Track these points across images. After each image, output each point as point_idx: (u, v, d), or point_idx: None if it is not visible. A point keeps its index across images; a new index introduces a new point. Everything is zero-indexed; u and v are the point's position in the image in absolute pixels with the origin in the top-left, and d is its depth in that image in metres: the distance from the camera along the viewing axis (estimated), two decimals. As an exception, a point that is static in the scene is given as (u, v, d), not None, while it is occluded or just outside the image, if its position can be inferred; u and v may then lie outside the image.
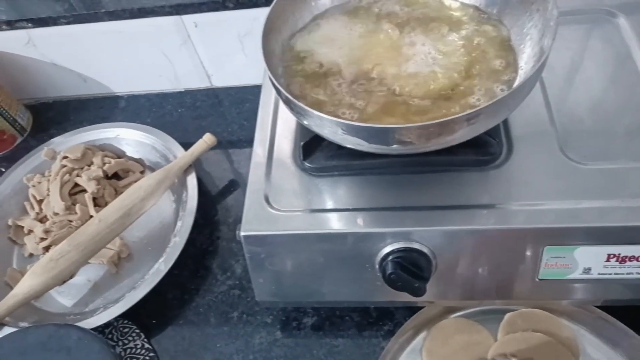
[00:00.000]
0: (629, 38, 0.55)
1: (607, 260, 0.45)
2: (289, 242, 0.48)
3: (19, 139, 0.83)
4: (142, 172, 0.74)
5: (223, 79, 0.83)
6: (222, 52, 0.77)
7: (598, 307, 0.51)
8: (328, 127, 0.42)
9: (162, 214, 0.69)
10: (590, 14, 0.58)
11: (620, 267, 0.45)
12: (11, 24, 0.74)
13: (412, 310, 0.54)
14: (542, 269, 0.46)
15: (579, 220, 0.43)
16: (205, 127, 0.79)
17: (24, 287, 0.58)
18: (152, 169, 0.74)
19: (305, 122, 0.45)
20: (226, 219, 0.69)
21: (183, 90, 0.85)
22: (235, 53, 0.77)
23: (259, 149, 0.54)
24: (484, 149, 0.48)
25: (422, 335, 0.54)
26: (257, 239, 0.48)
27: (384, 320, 0.56)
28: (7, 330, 0.58)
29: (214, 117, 0.80)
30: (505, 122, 0.50)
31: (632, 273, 0.45)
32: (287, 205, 0.49)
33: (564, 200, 0.45)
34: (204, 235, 0.67)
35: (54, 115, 0.87)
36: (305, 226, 0.47)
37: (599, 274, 0.46)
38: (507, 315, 0.53)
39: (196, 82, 0.83)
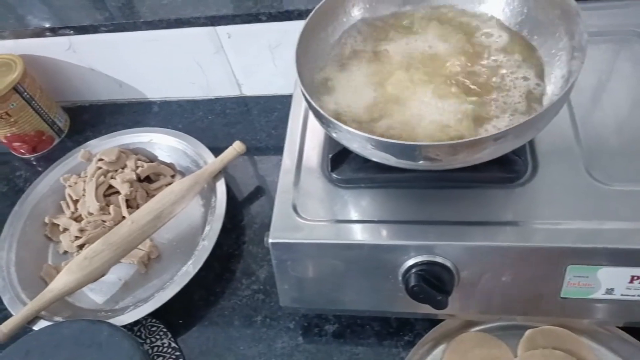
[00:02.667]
0: (659, 60, 0.55)
1: (631, 281, 0.45)
2: (315, 250, 0.49)
3: (57, 140, 0.87)
4: (172, 176, 0.76)
5: (253, 88, 0.85)
6: (253, 62, 0.80)
7: (620, 327, 0.51)
8: (357, 142, 0.44)
9: (191, 217, 0.71)
10: (619, 35, 0.58)
11: (643, 289, 0.45)
12: (55, 31, 0.78)
13: (432, 322, 0.55)
14: (564, 287, 0.47)
15: (603, 241, 0.44)
16: (234, 134, 0.81)
17: (59, 283, 0.61)
18: (183, 174, 0.76)
19: (335, 135, 0.47)
20: (252, 224, 0.71)
21: (214, 97, 0.87)
22: (266, 63, 0.79)
23: (288, 159, 0.55)
24: (509, 167, 0.49)
25: (442, 347, 0.55)
26: (285, 246, 0.50)
27: (404, 331, 0.57)
28: (43, 323, 0.61)
29: (242, 124, 0.83)
30: (532, 141, 0.51)
31: (655, 295, 0.46)
32: (314, 214, 0.51)
33: (588, 220, 0.45)
34: (230, 240, 0.69)
35: (90, 118, 0.90)
36: (332, 236, 0.49)
37: (621, 295, 0.46)
38: (528, 332, 0.54)
39: (227, 90, 0.86)
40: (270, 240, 0.50)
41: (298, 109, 0.60)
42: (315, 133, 0.57)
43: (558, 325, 0.53)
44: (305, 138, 0.57)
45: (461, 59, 0.51)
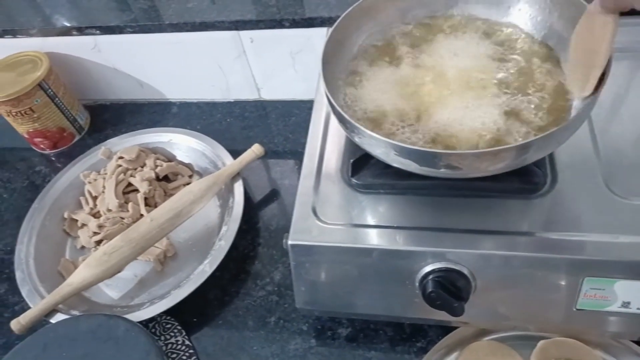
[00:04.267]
0: (679, 77, 0.56)
1: (647, 295, 0.45)
2: (334, 254, 0.50)
3: (77, 137, 0.89)
4: (190, 177, 0.78)
5: (272, 92, 0.86)
6: (274, 67, 0.81)
7: (634, 341, 0.51)
8: (381, 148, 0.45)
9: (208, 218, 0.72)
10: (638, 52, 0.59)
11: (660, 304, 0.46)
12: (81, 30, 0.79)
13: (446, 329, 0.55)
14: (580, 299, 0.47)
15: (621, 254, 0.44)
16: (252, 137, 0.82)
17: (78, 277, 0.62)
18: (200, 174, 0.77)
19: (358, 140, 0.48)
20: (268, 226, 0.71)
21: (233, 100, 0.89)
22: (286, 68, 0.80)
23: (308, 163, 0.56)
24: (529, 178, 0.49)
25: (454, 355, 0.55)
26: (304, 248, 0.50)
27: (417, 337, 0.57)
28: (60, 316, 0.61)
29: (260, 128, 0.84)
30: (551, 153, 0.52)
31: (671, 310, 0.46)
32: (333, 218, 0.51)
33: (606, 233, 0.46)
34: (246, 241, 0.70)
35: (111, 117, 0.92)
36: (351, 240, 0.49)
37: (637, 308, 0.46)
38: (541, 343, 0.54)
39: (246, 94, 0.87)
40: (289, 242, 0.50)
41: (319, 113, 0.61)
42: (336, 138, 0.58)
43: (571, 337, 0.53)
44: (325, 143, 0.58)
45: (491, 66, 0.51)
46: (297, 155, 0.78)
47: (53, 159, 0.88)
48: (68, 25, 0.80)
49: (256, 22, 0.73)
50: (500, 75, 0.51)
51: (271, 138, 0.81)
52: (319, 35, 0.73)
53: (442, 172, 0.45)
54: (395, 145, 0.43)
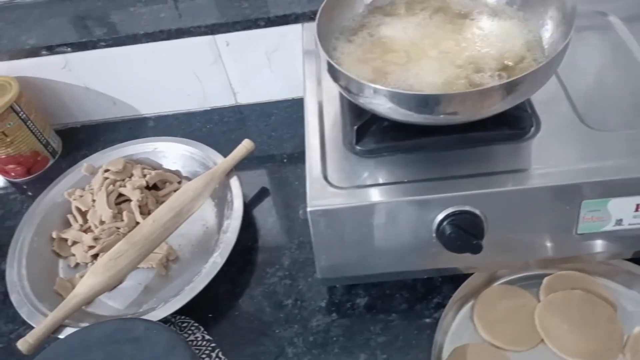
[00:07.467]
0: (622, 31, 0.64)
1: (636, 210, 0.51)
2: (352, 214, 0.52)
3: (51, 161, 0.86)
4: (179, 183, 0.77)
5: (248, 96, 0.88)
6: (249, 69, 0.83)
7: (628, 260, 0.56)
8: (384, 100, 0.48)
9: (205, 218, 0.72)
10: (585, 15, 0.67)
11: (646, 217, 0.51)
12: (51, 49, 0.78)
13: (456, 283, 0.58)
14: (580, 223, 0.52)
15: (609, 174, 0.49)
16: (234, 139, 0.82)
17: (84, 287, 0.60)
18: (190, 179, 0.77)
19: (362, 101, 0.51)
20: (266, 220, 0.72)
21: (209, 108, 0.89)
22: (262, 69, 0.83)
23: (312, 137, 0.58)
24: (517, 124, 0.54)
25: (470, 304, 0.59)
26: (323, 213, 0.52)
27: (432, 294, 0.60)
28: (69, 331, 0.59)
29: (242, 130, 0.85)
30: (530, 103, 0.57)
31: (658, 222, 0.51)
32: (346, 182, 0.53)
33: (592, 161, 0.51)
34: (247, 234, 0.70)
35: (84, 137, 0.89)
36: (367, 198, 0.52)
37: (629, 224, 0.51)
38: (546, 279, 0.58)
39: (222, 100, 0.88)
40: (308, 209, 0.52)
41: (312, 93, 0.63)
42: (333, 113, 0.61)
43: (572, 269, 0.58)
44: (323, 118, 0.60)
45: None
46: (282, 152, 0.80)
47: (25, 187, 0.84)
48: (37, 45, 0.79)
49: (232, 24, 0.75)
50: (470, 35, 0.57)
51: (254, 137, 0.82)
52: (293, 32, 0.76)
53: (441, 119, 0.49)
54: (395, 93, 0.46)
